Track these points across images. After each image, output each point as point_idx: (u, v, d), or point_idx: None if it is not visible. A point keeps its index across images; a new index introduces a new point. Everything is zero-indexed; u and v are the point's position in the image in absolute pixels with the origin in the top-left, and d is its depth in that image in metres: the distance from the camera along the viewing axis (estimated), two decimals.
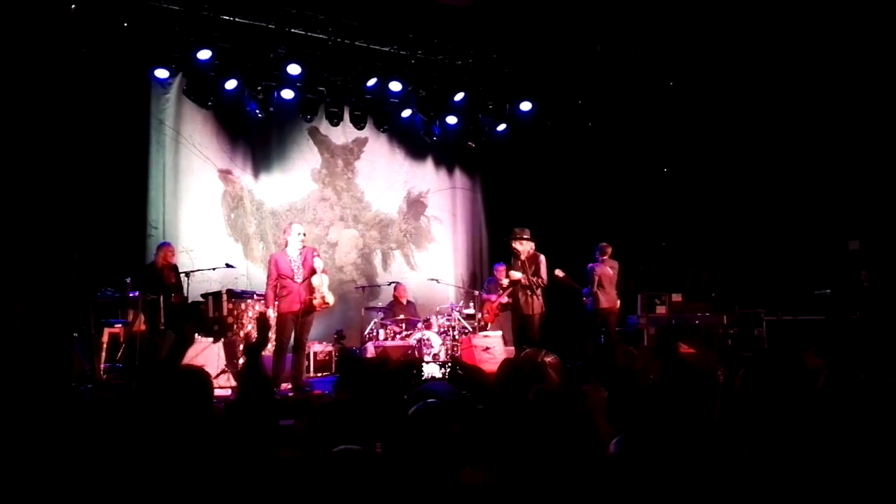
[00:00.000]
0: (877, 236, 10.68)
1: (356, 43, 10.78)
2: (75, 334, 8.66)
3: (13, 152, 9.14)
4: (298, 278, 8.22)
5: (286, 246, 8.36)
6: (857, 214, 10.94)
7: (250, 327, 9.63)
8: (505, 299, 11.00)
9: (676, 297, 10.82)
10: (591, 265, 10.34)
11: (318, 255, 8.66)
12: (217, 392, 7.74)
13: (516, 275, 8.95)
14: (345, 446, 2.47)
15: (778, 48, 10.66)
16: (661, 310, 10.72)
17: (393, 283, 11.57)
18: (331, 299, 8.68)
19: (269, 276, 8.34)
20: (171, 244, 9.43)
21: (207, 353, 8.66)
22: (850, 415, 3.24)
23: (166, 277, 8.96)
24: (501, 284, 11.09)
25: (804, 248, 11.19)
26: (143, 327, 8.78)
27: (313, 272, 8.37)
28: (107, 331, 8.91)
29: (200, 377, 2.97)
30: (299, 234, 8.45)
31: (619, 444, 2.53)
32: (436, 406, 2.93)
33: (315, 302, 8.49)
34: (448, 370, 7.12)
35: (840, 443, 2.92)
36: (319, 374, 10.12)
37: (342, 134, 12.31)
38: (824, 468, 2.72)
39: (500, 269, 11.17)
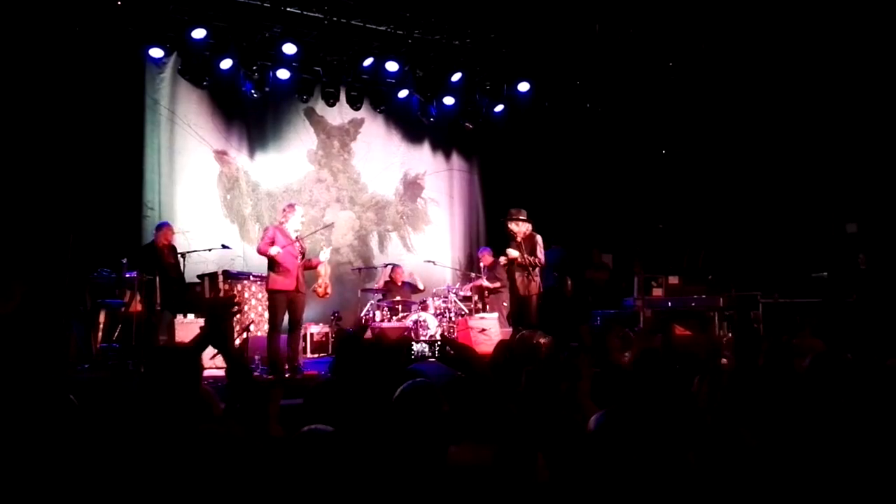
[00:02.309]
0: (875, 219, 10.67)
1: (352, 22, 10.71)
2: (72, 313, 8.68)
3: (9, 134, 9.11)
4: (299, 259, 8.21)
5: (285, 223, 8.31)
6: (856, 197, 10.93)
7: (246, 308, 9.64)
8: (484, 282, 11.06)
9: (673, 280, 10.79)
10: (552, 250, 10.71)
11: (327, 246, 8.86)
12: (214, 373, 7.79)
13: (513, 253, 8.90)
14: (315, 426, 2.47)
15: (776, 30, 10.60)
16: (657, 292, 10.70)
17: (389, 264, 11.57)
18: (330, 289, 8.98)
19: (263, 238, 8.20)
20: (170, 224, 9.52)
21: None
22: (838, 397, 3.23)
23: (166, 257, 9.03)
24: (488, 266, 11.14)
25: (802, 231, 11.18)
26: (139, 307, 8.80)
27: (308, 264, 8.41)
28: (103, 311, 8.90)
29: (188, 356, 2.95)
30: (302, 216, 8.52)
31: (598, 422, 2.53)
32: (423, 385, 2.93)
33: (319, 291, 8.68)
34: (438, 349, 7.12)
35: (828, 424, 2.92)
36: (316, 355, 10.13)
37: (338, 115, 12.25)
38: (811, 449, 2.72)
39: (483, 255, 11.24)
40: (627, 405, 3.16)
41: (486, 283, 11.10)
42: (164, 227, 9.38)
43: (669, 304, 10.29)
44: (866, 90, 10.53)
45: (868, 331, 8.67)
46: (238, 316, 9.14)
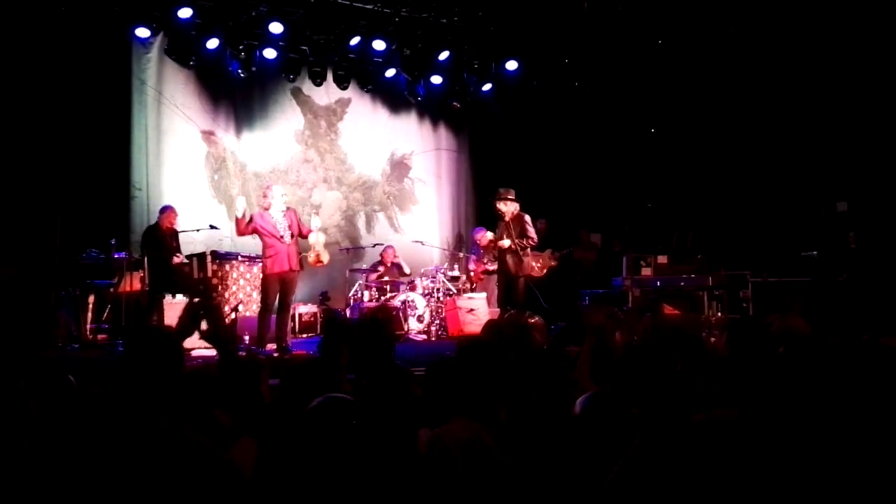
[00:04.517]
0: (865, 198, 10.66)
1: (339, 1, 10.60)
2: (62, 294, 8.70)
3: None
4: (287, 239, 8.20)
5: (269, 209, 8.31)
6: (846, 176, 10.92)
7: (235, 288, 9.64)
8: (492, 267, 11.02)
9: (662, 259, 10.78)
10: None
11: (317, 214, 8.97)
12: (202, 353, 7.81)
13: (505, 243, 8.90)
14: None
15: (765, 9, 10.56)
16: (646, 271, 10.70)
17: (377, 244, 11.60)
18: (325, 257, 8.94)
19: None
20: (173, 207, 9.50)
21: None
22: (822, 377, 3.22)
23: (167, 241, 9.04)
24: (485, 247, 11.07)
25: (791, 210, 11.19)
26: (128, 288, 8.81)
27: (301, 233, 8.41)
28: (92, 292, 8.91)
29: (169, 338, 2.94)
30: (282, 195, 8.50)
31: (584, 405, 2.52)
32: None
33: (310, 259, 8.68)
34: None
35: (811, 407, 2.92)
36: (304, 336, 10.15)
37: (325, 94, 12.19)
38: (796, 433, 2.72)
39: (478, 236, 11.15)
40: (615, 387, 3.17)
41: (490, 267, 11.02)
42: (167, 210, 9.40)
43: (658, 283, 10.29)
44: (857, 68, 10.50)
45: (858, 309, 8.70)
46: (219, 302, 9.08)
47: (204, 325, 3.60)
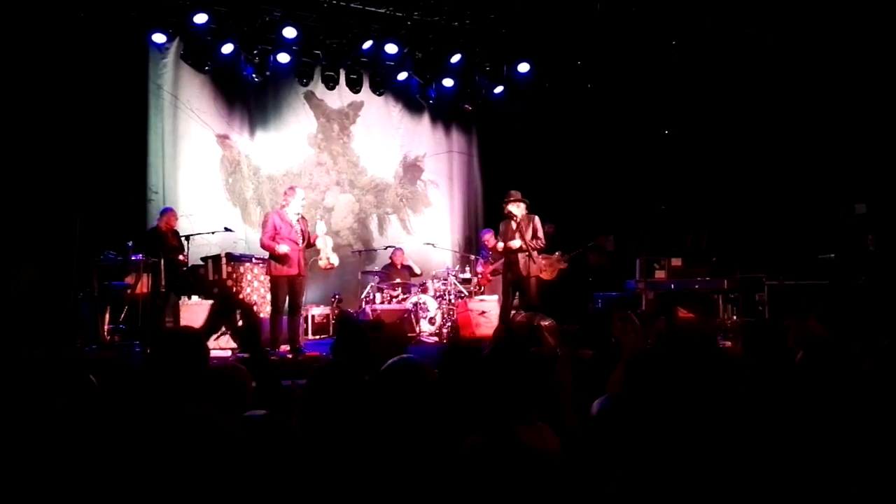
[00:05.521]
0: (884, 200, 10.56)
1: (351, 5, 10.65)
2: (80, 295, 8.80)
3: (17, 120, 9.26)
4: (300, 244, 8.25)
5: (286, 206, 8.35)
6: (865, 177, 10.81)
7: (249, 290, 9.70)
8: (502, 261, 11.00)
9: (676, 262, 10.76)
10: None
11: (321, 219, 8.99)
12: (218, 353, 7.87)
13: (515, 244, 8.88)
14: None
15: (781, 8, 10.51)
16: (660, 274, 10.68)
17: (389, 246, 11.63)
18: (335, 260, 9.06)
19: (265, 230, 8.20)
20: (173, 209, 9.71)
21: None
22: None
23: (169, 241, 9.15)
24: (493, 249, 11.03)
25: (808, 212, 11.10)
26: (144, 290, 8.90)
27: (311, 243, 8.44)
28: (109, 293, 8.99)
29: (194, 338, 2.98)
30: (303, 199, 8.55)
31: (601, 406, 2.52)
32: (409, 361, 2.96)
33: (321, 264, 8.86)
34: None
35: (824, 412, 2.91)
36: (317, 337, 10.20)
37: (338, 98, 12.27)
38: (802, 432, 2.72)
39: (486, 238, 11.12)
40: (629, 390, 3.18)
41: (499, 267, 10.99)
42: (167, 212, 9.59)
43: (672, 286, 10.26)
44: (874, 70, 10.42)
45: (878, 313, 8.59)
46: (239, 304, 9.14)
47: (239, 323, 3.69)
